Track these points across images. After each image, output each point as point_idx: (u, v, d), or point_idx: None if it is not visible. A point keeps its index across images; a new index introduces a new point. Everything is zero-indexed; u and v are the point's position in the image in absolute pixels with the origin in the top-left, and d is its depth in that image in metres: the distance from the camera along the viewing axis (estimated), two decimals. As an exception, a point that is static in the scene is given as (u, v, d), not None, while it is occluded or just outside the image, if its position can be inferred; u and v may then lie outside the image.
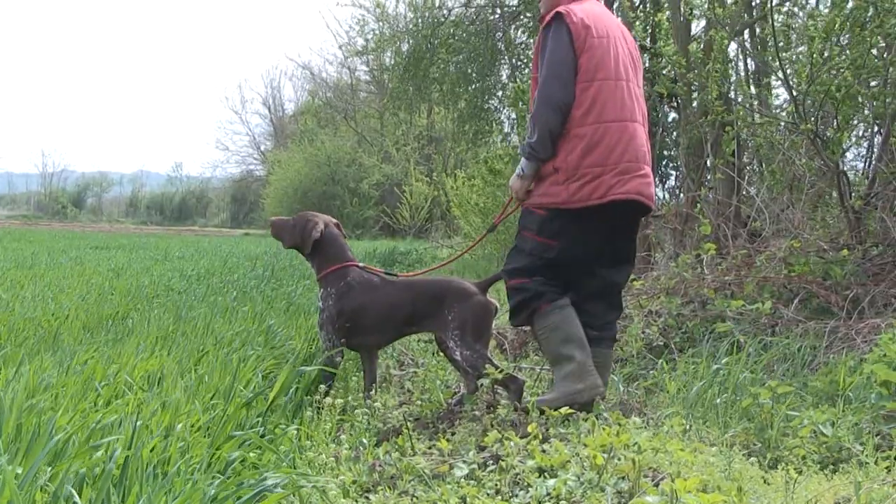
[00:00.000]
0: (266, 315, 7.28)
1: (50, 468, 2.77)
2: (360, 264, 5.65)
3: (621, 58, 4.92)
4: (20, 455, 2.78)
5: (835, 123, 7.70)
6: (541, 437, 4.31)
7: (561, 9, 4.89)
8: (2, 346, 5.81)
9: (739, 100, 9.18)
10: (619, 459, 3.75)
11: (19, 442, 2.93)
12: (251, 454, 3.60)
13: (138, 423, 3.12)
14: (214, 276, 11.73)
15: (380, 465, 4.08)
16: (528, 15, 17.06)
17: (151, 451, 3.04)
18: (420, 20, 18.37)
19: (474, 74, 17.65)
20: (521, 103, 15.54)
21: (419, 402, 5.60)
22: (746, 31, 10.07)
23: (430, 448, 4.54)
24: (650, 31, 12.41)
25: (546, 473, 3.81)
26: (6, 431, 3.05)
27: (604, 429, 4.18)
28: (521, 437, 4.33)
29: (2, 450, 2.83)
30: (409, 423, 4.84)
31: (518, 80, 16.81)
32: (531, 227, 5.05)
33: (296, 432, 4.21)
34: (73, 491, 2.60)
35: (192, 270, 13.40)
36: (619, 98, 4.86)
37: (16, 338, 6.42)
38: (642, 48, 9.40)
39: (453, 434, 4.66)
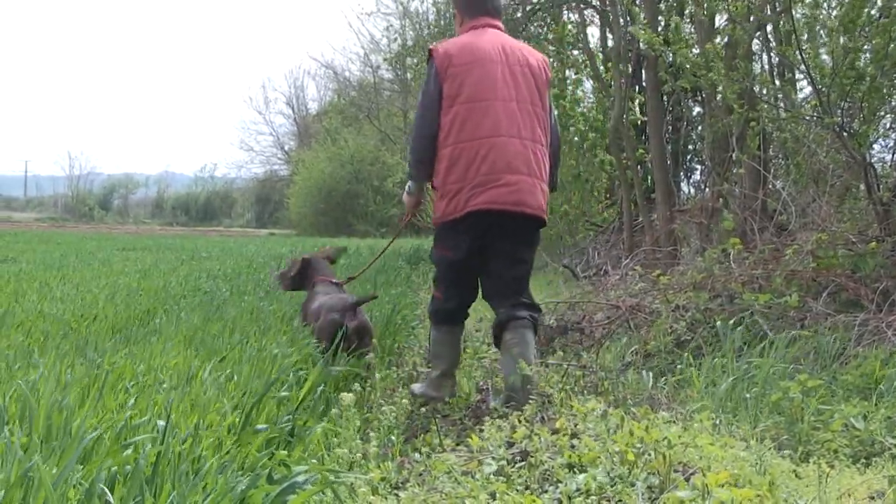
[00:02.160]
0: (293, 314, 7.28)
1: (81, 466, 2.78)
2: (334, 279, 6.78)
3: (497, 79, 5.33)
4: (53, 454, 2.79)
5: (861, 116, 7.63)
6: (570, 432, 4.30)
7: (432, 45, 5.54)
8: (31, 346, 5.84)
9: (763, 94, 9.10)
10: (650, 455, 3.73)
11: (51, 441, 2.94)
12: (281, 451, 3.60)
13: (168, 421, 3.12)
14: (241, 276, 11.75)
15: (408, 463, 4.09)
16: (549, 10, 17.03)
17: (182, 448, 3.03)
18: (443, 21, 18.37)
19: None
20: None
21: (446, 399, 5.61)
22: (768, 25, 10.01)
23: (458, 445, 4.55)
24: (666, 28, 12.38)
25: (576, 469, 3.80)
26: (37, 430, 3.06)
27: (633, 424, 4.17)
28: (551, 433, 4.32)
29: (35, 448, 2.84)
30: (436, 420, 4.84)
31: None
32: (435, 239, 5.71)
33: (324, 430, 4.21)
34: (106, 489, 2.60)
35: (219, 270, 13.44)
36: (478, 118, 5.27)
37: (45, 338, 6.45)
38: (666, 42, 9.36)
39: (481, 430, 4.65)
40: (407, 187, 5.77)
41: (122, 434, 3.10)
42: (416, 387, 5.58)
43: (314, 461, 3.71)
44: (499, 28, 5.64)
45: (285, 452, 3.57)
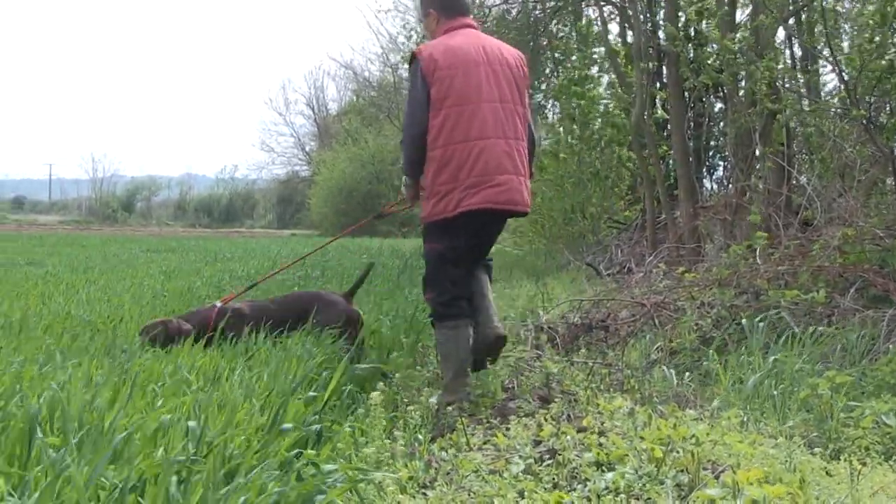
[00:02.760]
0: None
1: (113, 466, 2.78)
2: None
3: (476, 81, 5.50)
4: (86, 454, 2.80)
5: (888, 108, 7.58)
6: (597, 430, 4.29)
7: (415, 49, 5.67)
8: (60, 348, 5.86)
9: (787, 87, 9.06)
10: (678, 452, 3.72)
11: (83, 442, 2.94)
12: (309, 451, 3.60)
13: (198, 422, 3.13)
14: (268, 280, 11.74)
15: (436, 462, 4.08)
16: (570, 9, 17.02)
17: (212, 449, 3.04)
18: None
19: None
20: (564, 97, 15.50)
21: (471, 399, 5.60)
22: (792, 18, 9.96)
23: (484, 444, 4.54)
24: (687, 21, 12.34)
25: (604, 467, 3.79)
26: (70, 431, 3.07)
27: (660, 422, 4.15)
28: (577, 431, 4.31)
29: (69, 449, 2.85)
30: (462, 419, 4.83)
31: (561, 74, 16.77)
32: (424, 236, 5.83)
33: (351, 429, 4.21)
34: (137, 490, 2.61)
35: (242, 271, 13.47)
36: (467, 120, 5.45)
37: (73, 340, 6.47)
38: (686, 38, 9.33)
39: (507, 429, 4.64)
40: (403, 182, 5.96)
41: (153, 434, 3.10)
42: (434, 400, 5.39)
43: (342, 461, 3.71)
44: (473, 26, 5.83)
45: (313, 452, 3.56)
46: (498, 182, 5.47)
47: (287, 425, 3.65)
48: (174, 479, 2.70)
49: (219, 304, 6.37)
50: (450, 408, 5.31)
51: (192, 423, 3.17)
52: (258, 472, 2.90)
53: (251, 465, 2.99)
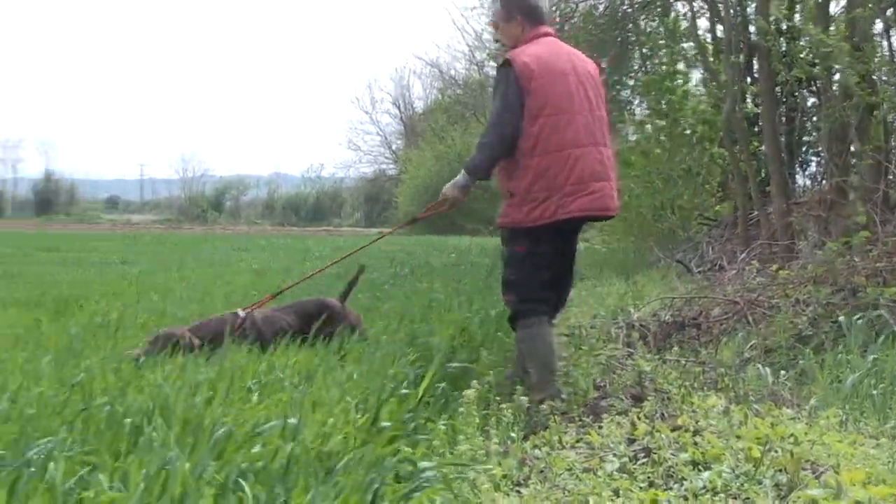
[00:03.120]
0: (407, 312, 7.32)
1: (215, 462, 2.82)
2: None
3: (568, 91, 5.62)
4: (190, 450, 2.84)
5: None
6: (692, 429, 4.25)
7: (509, 55, 5.68)
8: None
9: (885, 80, 8.88)
10: (776, 452, 3.67)
11: (187, 437, 2.99)
12: (406, 448, 3.61)
13: (297, 419, 3.16)
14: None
15: (529, 460, 4.08)
16: (658, 4, 16.87)
17: (312, 446, 3.07)
18: (549, 14, 18.34)
19: (603, 65, 17.51)
20: (653, 93, 15.37)
21: (564, 396, 5.57)
22: (891, 9, 9.75)
23: (577, 442, 4.52)
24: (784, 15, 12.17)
25: (700, 466, 3.76)
26: (175, 427, 3.12)
27: (757, 421, 4.11)
28: (671, 430, 4.28)
29: (173, 443, 2.90)
30: (555, 418, 4.82)
31: (650, 70, 16.64)
32: (505, 239, 5.94)
33: (445, 427, 4.22)
34: (244, 483, 2.64)
35: (333, 269, 13.57)
36: (563, 129, 5.57)
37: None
38: (778, 32, 9.19)
39: (600, 427, 4.62)
40: (458, 181, 5.88)
41: (253, 431, 3.14)
42: (524, 399, 5.29)
43: (437, 458, 3.71)
44: (553, 35, 5.96)
45: (409, 449, 3.58)
46: (593, 189, 5.59)
47: (385, 423, 3.68)
48: (277, 474, 2.73)
49: (241, 312, 6.31)
50: (542, 406, 5.30)
51: (292, 420, 3.20)
52: (356, 468, 2.92)
53: (349, 461, 3.01)
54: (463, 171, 5.85)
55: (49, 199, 79.14)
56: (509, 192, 5.72)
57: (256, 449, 3.00)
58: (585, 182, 5.58)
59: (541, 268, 5.72)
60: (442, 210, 6.31)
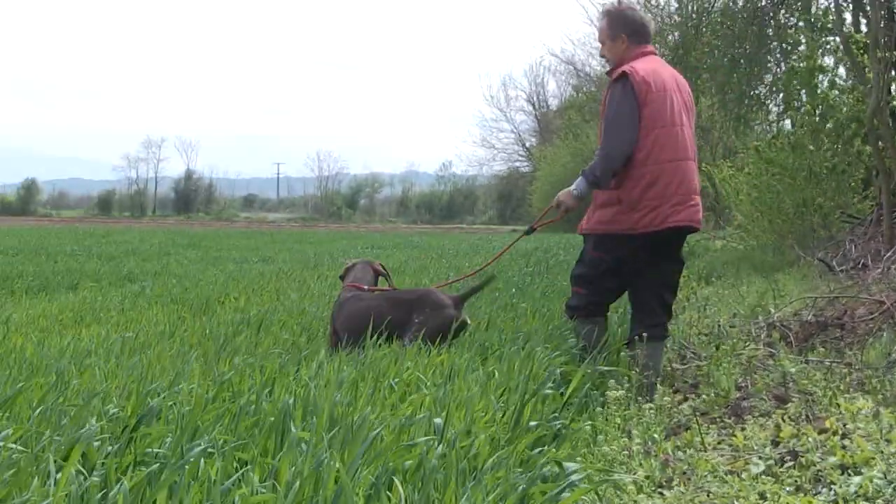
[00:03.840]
0: (546, 311, 7.32)
1: (362, 462, 2.86)
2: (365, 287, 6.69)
3: (676, 107, 5.91)
4: (339, 448, 2.89)
5: None
6: (840, 432, 4.17)
7: (626, 68, 5.88)
8: (298, 344, 6.08)
9: None
10: (931, 457, 3.58)
11: (334, 436, 3.04)
12: (551, 449, 3.61)
13: (442, 419, 3.19)
14: (492, 272, 11.81)
15: (672, 461, 4.04)
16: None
17: (460, 446, 3.09)
18: (687, 9, 18.12)
19: (742, 60, 17.22)
20: (795, 84, 15.04)
21: (704, 397, 5.51)
22: None
23: (719, 443, 4.47)
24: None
25: (849, 471, 3.67)
26: (320, 426, 3.17)
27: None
28: (818, 433, 4.20)
29: (322, 444, 2.94)
30: (697, 418, 4.77)
31: (791, 61, 16.30)
32: (590, 243, 6.14)
33: (589, 427, 4.21)
34: (397, 482, 2.68)
35: (468, 268, 13.63)
36: (673, 142, 5.85)
37: (310, 336, 6.70)
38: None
39: (743, 429, 4.56)
40: (576, 189, 6.03)
41: (402, 431, 3.17)
42: (667, 400, 5.42)
43: (579, 458, 3.71)
44: (655, 53, 6.27)
45: (553, 449, 3.58)
46: (694, 202, 5.97)
47: (531, 423, 3.68)
48: (430, 475, 2.75)
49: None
50: (682, 405, 5.26)
51: (437, 420, 3.23)
52: (503, 469, 2.93)
53: (497, 462, 3.02)
54: (582, 180, 6.00)
55: (189, 197, 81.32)
56: (618, 199, 5.89)
57: (404, 449, 3.03)
58: (689, 194, 5.91)
59: (612, 274, 6.01)
60: (555, 219, 6.66)
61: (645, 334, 5.85)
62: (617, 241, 5.92)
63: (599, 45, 6.33)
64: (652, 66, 5.98)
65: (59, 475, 2.66)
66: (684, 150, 5.93)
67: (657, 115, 5.82)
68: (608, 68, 6.25)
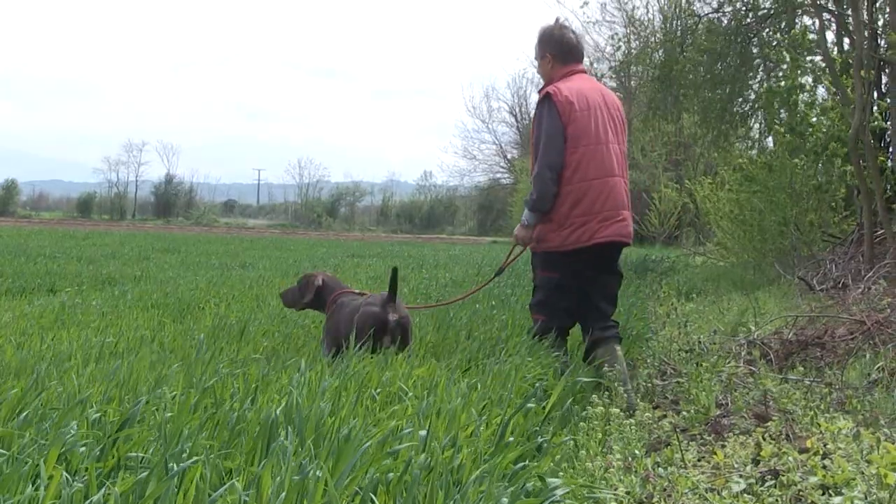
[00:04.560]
0: (526, 322, 7.31)
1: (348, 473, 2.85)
2: (355, 290, 6.84)
3: (601, 125, 6.12)
4: (324, 458, 2.87)
5: None
6: (821, 452, 4.17)
7: (550, 88, 6.13)
8: (279, 353, 6.06)
9: None
10: (911, 478, 3.58)
11: (319, 447, 3.02)
12: (532, 463, 3.60)
13: (429, 431, 3.18)
14: (470, 285, 11.82)
15: (653, 478, 4.04)
16: (783, 15, 16.59)
17: (442, 458, 3.08)
18: (671, 26, 18.21)
19: (723, 76, 17.30)
20: (775, 105, 15.12)
21: (685, 413, 5.52)
22: None
23: (699, 460, 4.47)
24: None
25: (830, 491, 3.68)
26: (307, 435, 3.16)
27: (888, 445, 4.01)
28: (799, 452, 4.20)
29: (307, 454, 2.93)
30: (677, 435, 4.77)
31: (773, 81, 16.37)
32: (537, 265, 6.40)
33: (572, 442, 4.21)
34: (374, 497, 2.66)
35: (448, 278, 13.62)
36: (599, 159, 6.07)
37: (291, 345, 6.68)
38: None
39: (723, 447, 4.56)
40: (524, 220, 6.25)
41: (386, 442, 3.16)
42: (647, 416, 5.47)
43: (561, 474, 3.70)
44: (585, 72, 6.49)
45: (536, 464, 3.57)
46: (623, 217, 6.18)
47: (514, 437, 3.67)
48: (412, 487, 2.74)
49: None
50: (661, 421, 5.28)
51: (422, 433, 3.22)
52: (487, 483, 2.92)
53: (480, 475, 3.01)
54: (526, 210, 6.22)
55: (169, 201, 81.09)
56: (549, 218, 6.12)
57: (388, 460, 3.01)
58: (617, 209, 6.12)
59: (566, 292, 6.24)
60: (519, 254, 6.80)
61: (597, 334, 6.16)
62: (558, 257, 6.17)
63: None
64: (577, 85, 6.19)
65: (48, 480, 2.63)
66: (611, 167, 6.12)
67: (581, 133, 6.02)
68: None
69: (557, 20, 6.52)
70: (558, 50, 6.37)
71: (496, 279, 8.08)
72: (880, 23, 13.31)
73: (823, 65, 14.32)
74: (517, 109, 65.00)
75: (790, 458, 3.99)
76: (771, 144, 17.68)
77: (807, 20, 16.17)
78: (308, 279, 6.97)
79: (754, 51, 17.44)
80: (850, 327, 7.63)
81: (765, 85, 16.86)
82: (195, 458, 2.68)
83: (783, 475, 3.82)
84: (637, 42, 19.67)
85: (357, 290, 6.85)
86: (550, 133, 6.04)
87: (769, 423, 4.89)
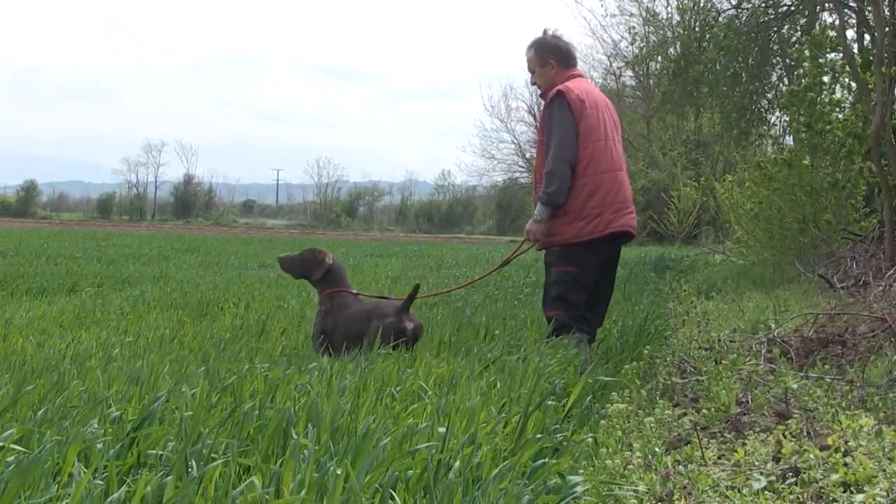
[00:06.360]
0: (545, 322, 7.30)
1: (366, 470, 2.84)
2: (354, 291, 6.70)
3: (607, 123, 6.48)
4: (342, 456, 2.87)
5: None
6: (842, 449, 4.15)
7: (561, 87, 6.42)
8: (299, 352, 6.07)
9: None
10: (935, 475, 3.57)
11: (337, 444, 3.02)
12: (552, 461, 3.59)
13: (448, 428, 3.17)
14: (490, 284, 11.81)
15: (673, 475, 4.03)
16: (803, 12, 16.53)
17: (462, 456, 3.07)
18: (689, 22, 18.16)
19: (743, 74, 17.24)
20: (794, 107, 15.05)
21: (705, 411, 5.50)
22: None
23: (719, 458, 4.45)
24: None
25: (852, 489, 3.66)
26: (326, 433, 3.16)
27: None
28: (820, 450, 4.18)
29: (325, 452, 2.93)
30: (697, 432, 4.76)
31: (792, 81, 16.29)
32: (552, 261, 6.56)
33: (592, 440, 4.20)
34: (394, 494, 2.66)
35: (467, 277, 13.61)
36: (609, 154, 6.42)
37: (310, 345, 6.68)
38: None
39: (743, 444, 4.54)
40: (536, 215, 6.47)
41: (405, 439, 3.16)
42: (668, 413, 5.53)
43: (581, 471, 3.69)
44: (583, 76, 6.86)
45: (555, 461, 3.57)
46: (630, 209, 6.55)
47: (534, 435, 3.67)
48: (431, 484, 2.74)
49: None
50: (682, 419, 5.26)
51: (441, 430, 3.22)
52: (507, 480, 2.92)
53: (500, 473, 3.01)
54: (540, 205, 6.44)
55: (188, 202, 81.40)
56: (563, 211, 6.37)
57: (407, 458, 3.01)
58: (625, 202, 6.48)
59: (583, 286, 6.43)
60: (527, 249, 7.06)
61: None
62: (574, 250, 6.37)
63: (530, 74, 6.81)
64: (584, 86, 6.56)
65: (78, 477, 2.64)
66: (619, 163, 6.50)
67: (591, 130, 6.34)
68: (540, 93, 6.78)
69: (546, 31, 6.81)
70: (559, 56, 6.69)
71: (502, 269, 8.75)
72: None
73: (844, 62, 14.22)
74: (535, 109, 64.80)
75: (811, 456, 3.97)
76: (791, 142, 17.60)
77: (826, 17, 16.10)
78: (315, 255, 6.69)
79: (774, 48, 17.37)
80: (871, 325, 7.59)
81: (785, 81, 16.79)
82: (217, 459, 2.68)
83: (804, 472, 3.81)
84: (655, 38, 19.64)
85: (355, 291, 6.74)
86: (565, 129, 6.31)
87: (790, 421, 4.87)
